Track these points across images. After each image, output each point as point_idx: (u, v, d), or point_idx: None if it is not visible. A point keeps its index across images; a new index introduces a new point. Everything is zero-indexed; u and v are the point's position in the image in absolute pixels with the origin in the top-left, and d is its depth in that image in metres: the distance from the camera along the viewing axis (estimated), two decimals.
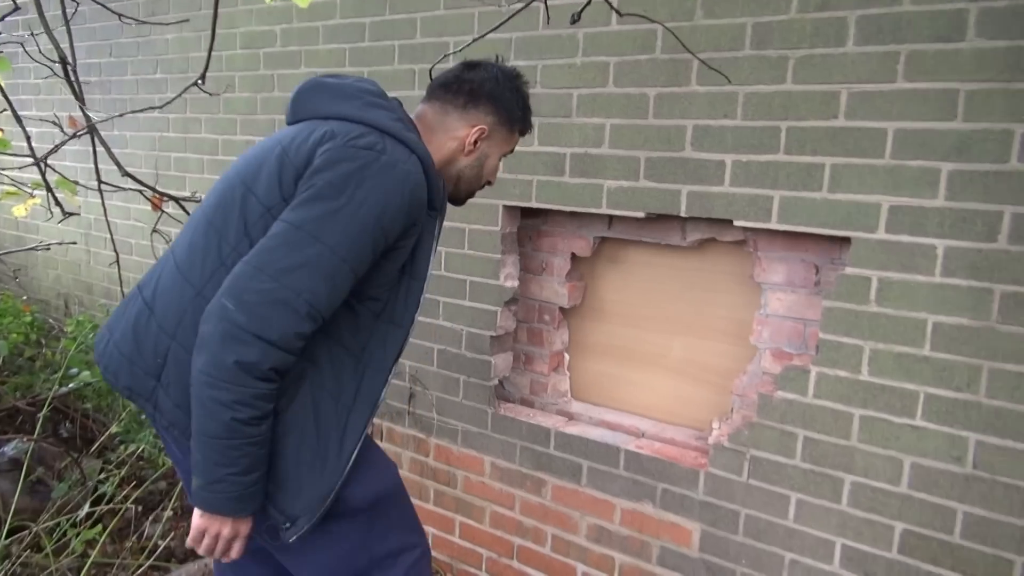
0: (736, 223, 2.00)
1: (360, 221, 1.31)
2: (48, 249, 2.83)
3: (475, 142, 1.55)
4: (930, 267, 1.75)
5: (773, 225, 1.94)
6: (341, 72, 2.79)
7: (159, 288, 1.45)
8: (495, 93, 1.54)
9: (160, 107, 2.11)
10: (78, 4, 2.30)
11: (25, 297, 4.35)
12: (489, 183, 1.68)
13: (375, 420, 2.85)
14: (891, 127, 1.76)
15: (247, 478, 1.33)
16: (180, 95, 2.08)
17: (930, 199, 1.74)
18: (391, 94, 1.55)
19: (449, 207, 1.67)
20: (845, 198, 1.84)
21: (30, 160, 2.21)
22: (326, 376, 1.42)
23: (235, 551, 1.42)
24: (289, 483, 1.40)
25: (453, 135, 1.55)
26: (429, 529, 2.76)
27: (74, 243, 2.85)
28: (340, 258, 1.30)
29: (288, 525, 1.42)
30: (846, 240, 1.90)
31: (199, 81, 1.83)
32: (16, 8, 2.00)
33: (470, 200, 1.70)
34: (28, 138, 2.03)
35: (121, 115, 2.11)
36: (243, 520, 1.39)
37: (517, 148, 2.37)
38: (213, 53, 3.20)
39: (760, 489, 2.03)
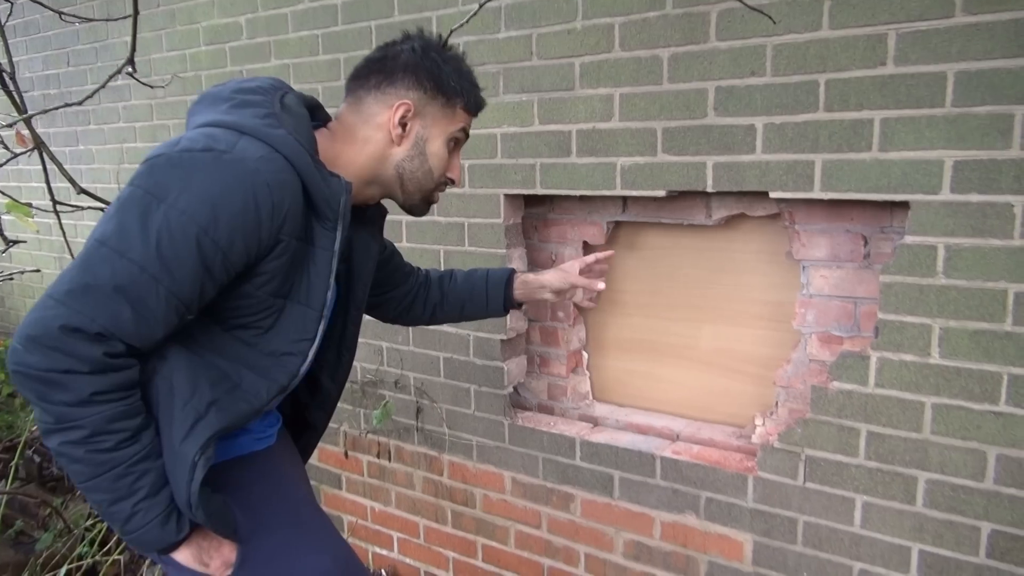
0: (772, 195, 1.76)
1: (180, 232, 1.06)
2: (12, 279, 2.58)
3: (402, 123, 1.29)
4: (1007, 229, 1.51)
5: (816, 194, 1.69)
6: (313, 62, 2.55)
7: None
8: (412, 63, 1.29)
9: (80, 102, 1.86)
10: (12, 5, 2.06)
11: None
12: (452, 181, 1.40)
13: (385, 439, 2.61)
14: (951, 70, 1.52)
15: (159, 495, 1.15)
16: (103, 86, 1.83)
17: (1002, 150, 1.49)
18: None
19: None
20: (900, 157, 1.59)
21: None
22: (177, 376, 1.17)
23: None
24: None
25: (375, 123, 1.30)
26: (449, 554, 2.53)
27: (37, 270, 2.60)
28: (151, 276, 1.06)
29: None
30: (901, 205, 1.66)
31: (128, 68, 1.58)
32: None
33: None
34: None
35: (44, 111, 1.88)
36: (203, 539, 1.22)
37: (517, 129, 2.14)
38: (175, 52, 3.00)
39: (820, 493, 1.80)
